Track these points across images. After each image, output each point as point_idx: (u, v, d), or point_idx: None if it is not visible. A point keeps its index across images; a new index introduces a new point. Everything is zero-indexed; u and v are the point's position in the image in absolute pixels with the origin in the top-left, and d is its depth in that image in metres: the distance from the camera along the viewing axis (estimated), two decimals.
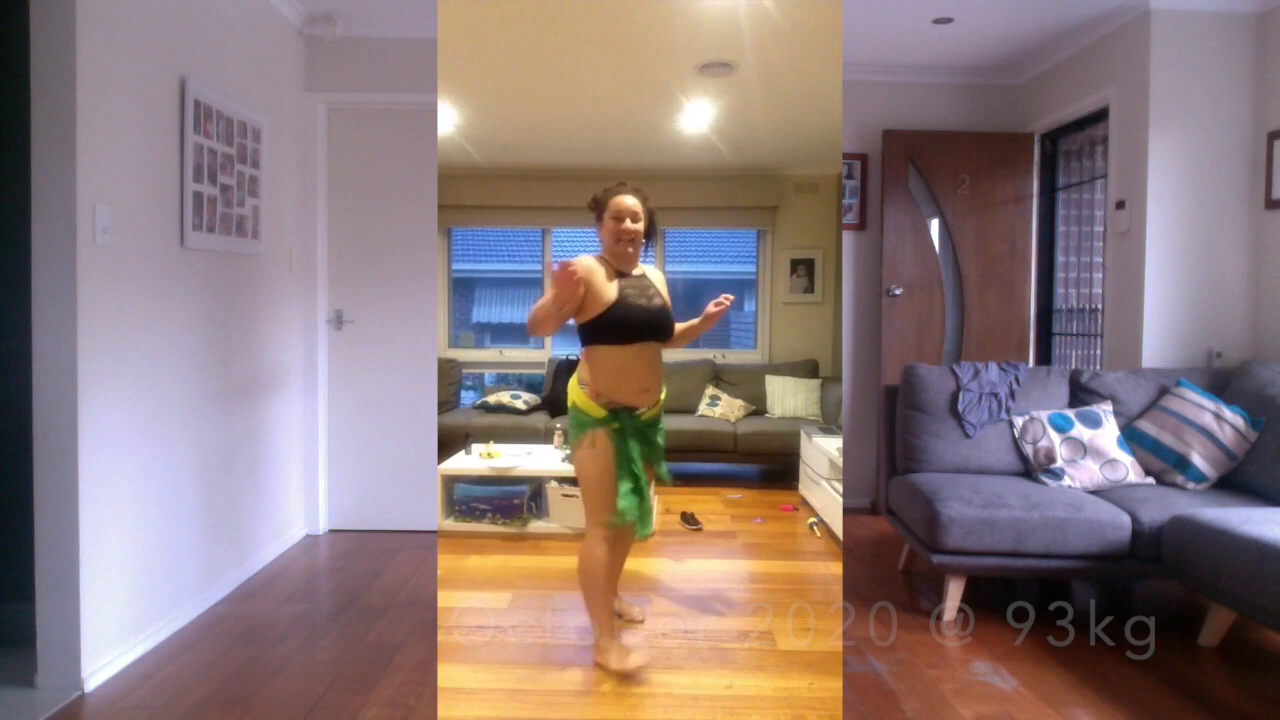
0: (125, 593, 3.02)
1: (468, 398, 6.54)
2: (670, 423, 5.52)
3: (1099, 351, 4.62)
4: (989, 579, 3.93)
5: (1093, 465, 3.72)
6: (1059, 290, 5.19)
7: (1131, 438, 3.84)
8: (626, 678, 2.60)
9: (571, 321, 2.64)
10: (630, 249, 2.65)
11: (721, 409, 5.91)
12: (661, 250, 6.79)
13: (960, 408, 3.95)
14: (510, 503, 4.26)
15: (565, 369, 6.16)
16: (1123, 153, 4.35)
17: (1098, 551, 3.32)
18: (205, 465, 3.58)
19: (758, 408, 6.05)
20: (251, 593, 3.74)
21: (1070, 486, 3.66)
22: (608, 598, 2.71)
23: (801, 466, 5.05)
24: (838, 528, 4.11)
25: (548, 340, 6.72)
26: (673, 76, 4.25)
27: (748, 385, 6.16)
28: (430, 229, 4.75)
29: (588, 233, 6.74)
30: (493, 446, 4.75)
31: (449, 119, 5.05)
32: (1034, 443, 3.85)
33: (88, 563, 2.80)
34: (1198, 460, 3.66)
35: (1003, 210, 5.17)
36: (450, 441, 5.51)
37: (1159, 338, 4.19)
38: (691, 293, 6.77)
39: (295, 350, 4.58)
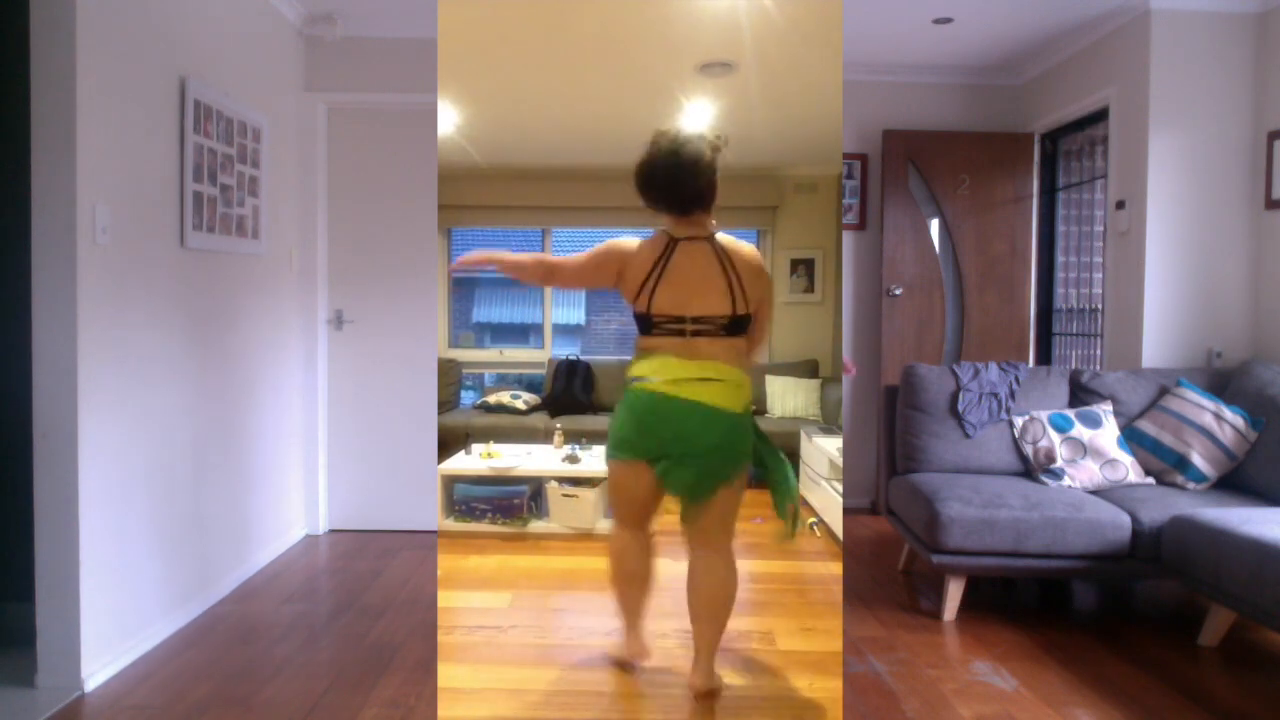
0: (125, 592, 3.02)
1: (468, 398, 6.54)
2: None
3: (1099, 351, 4.62)
4: (989, 579, 3.93)
5: (1093, 465, 3.72)
6: (1059, 290, 5.19)
7: (1131, 438, 3.84)
8: (631, 670, 2.61)
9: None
10: None
11: None
12: None
13: (960, 408, 3.95)
14: (510, 503, 4.26)
15: (565, 369, 6.17)
16: (1123, 153, 4.35)
17: (1098, 551, 3.32)
18: (205, 464, 3.58)
19: (758, 408, 6.05)
20: (251, 593, 3.74)
21: (1070, 486, 3.66)
22: (625, 590, 2.64)
23: (801, 466, 5.04)
24: (838, 528, 4.11)
25: (548, 340, 6.72)
26: (673, 76, 4.25)
27: None
28: (430, 229, 4.74)
29: (588, 233, 6.74)
30: (493, 446, 4.75)
31: (449, 119, 5.05)
32: (1034, 443, 3.85)
33: (88, 563, 2.79)
34: (1198, 460, 3.66)
35: (1003, 210, 5.17)
36: (450, 441, 5.51)
37: (1159, 338, 4.19)
38: None
39: (295, 350, 4.58)
